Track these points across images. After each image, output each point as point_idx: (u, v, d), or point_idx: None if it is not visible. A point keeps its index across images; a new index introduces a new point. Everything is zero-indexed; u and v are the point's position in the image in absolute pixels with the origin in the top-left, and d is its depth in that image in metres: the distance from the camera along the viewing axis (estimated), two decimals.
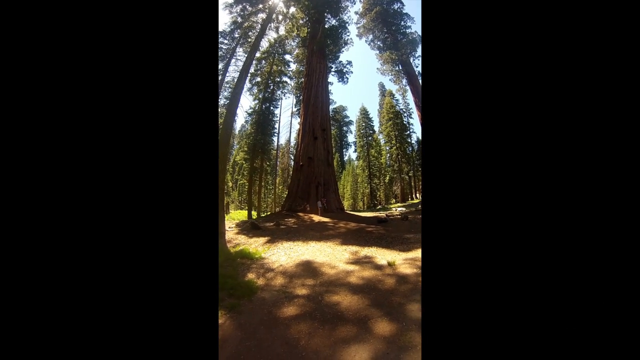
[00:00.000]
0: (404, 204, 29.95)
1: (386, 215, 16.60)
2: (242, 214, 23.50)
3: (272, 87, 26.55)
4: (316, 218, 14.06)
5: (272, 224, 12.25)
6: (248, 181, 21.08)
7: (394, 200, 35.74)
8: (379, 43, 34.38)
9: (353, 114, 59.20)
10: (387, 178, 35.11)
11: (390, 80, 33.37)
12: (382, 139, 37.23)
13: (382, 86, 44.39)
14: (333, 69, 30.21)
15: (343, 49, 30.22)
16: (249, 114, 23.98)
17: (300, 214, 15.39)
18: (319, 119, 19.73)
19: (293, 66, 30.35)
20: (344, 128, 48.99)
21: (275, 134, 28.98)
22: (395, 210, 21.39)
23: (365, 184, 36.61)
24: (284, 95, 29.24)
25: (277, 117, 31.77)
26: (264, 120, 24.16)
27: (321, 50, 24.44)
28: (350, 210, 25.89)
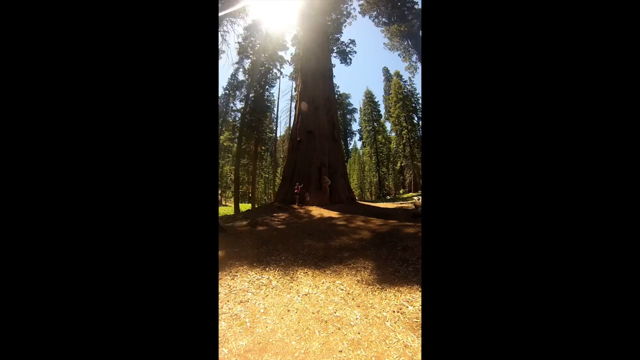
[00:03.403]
0: (418, 193, 24.41)
1: (415, 206, 11.08)
2: (242, 207, 18.06)
3: (266, 65, 20.77)
4: (316, 211, 8.51)
5: (245, 223, 6.73)
6: (235, 167, 15.42)
7: (403, 190, 30.23)
8: (384, 19, 28.65)
9: (356, 103, 53.25)
10: (398, 165, 29.44)
11: (399, 56, 27.49)
12: (388, 125, 31.67)
13: (386, 71, 38.48)
14: (335, 50, 24.65)
15: (345, 23, 24.53)
16: (234, 86, 18.17)
17: (295, 205, 9.86)
18: (321, 86, 14.04)
19: (292, 49, 24.65)
20: (348, 116, 43.29)
21: (271, 112, 23.24)
22: (419, 199, 15.84)
23: (373, 172, 31.00)
24: (281, 74, 23.56)
25: (273, 97, 26.09)
26: (255, 96, 18.48)
27: (321, 14, 18.63)
28: (359, 201, 20.34)
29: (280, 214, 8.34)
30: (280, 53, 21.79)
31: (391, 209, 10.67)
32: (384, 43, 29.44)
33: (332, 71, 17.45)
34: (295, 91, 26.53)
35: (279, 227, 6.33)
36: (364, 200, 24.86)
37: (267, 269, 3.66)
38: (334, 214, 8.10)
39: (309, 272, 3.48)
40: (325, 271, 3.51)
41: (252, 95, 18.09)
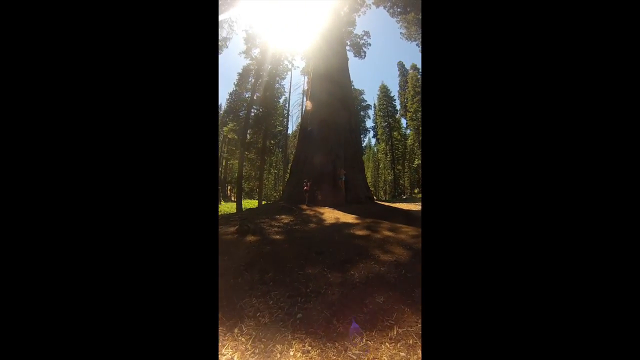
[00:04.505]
0: None
1: None
2: (249, 204, 16.42)
3: (276, 55, 18.92)
4: (329, 214, 6.70)
5: (234, 229, 5.01)
6: (239, 160, 13.75)
7: (418, 189, 27.96)
8: (398, 9, 26.44)
9: (370, 99, 50.94)
10: (415, 163, 27.19)
11: (417, 45, 25.31)
12: (404, 122, 29.39)
13: (401, 66, 36.08)
14: (348, 44, 22.59)
15: (359, 12, 22.40)
16: (242, 76, 16.43)
17: (304, 206, 8.08)
18: (337, 70, 12.17)
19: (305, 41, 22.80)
20: (362, 113, 41.17)
21: (283, 107, 21.47)
22: None
23: (388, 170, 28.85)
24: (292, 66, 21.72)
25: (284, 89, 24.19)
26: (264, 86, 16.74)
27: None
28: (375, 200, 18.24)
29: (283, 217, 6.58)
30: (292, 45, 19.95)
31: (415, 211, 8.76)
32: (400, 32, 27.16)
33: (347, 62, 15.52)
34: (307, 85, 24.73)
35: (276, 237, 4.56)
36: (378, 200, 22.83)
37: (236, 331, 1.89)
38: (350, 218, 6.28)
39: (313, 353, 1.68)
40: (347, 350, 1.70)
41: (260, 85, 16.38)
